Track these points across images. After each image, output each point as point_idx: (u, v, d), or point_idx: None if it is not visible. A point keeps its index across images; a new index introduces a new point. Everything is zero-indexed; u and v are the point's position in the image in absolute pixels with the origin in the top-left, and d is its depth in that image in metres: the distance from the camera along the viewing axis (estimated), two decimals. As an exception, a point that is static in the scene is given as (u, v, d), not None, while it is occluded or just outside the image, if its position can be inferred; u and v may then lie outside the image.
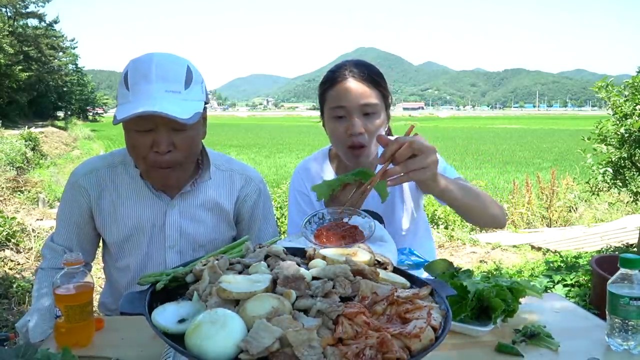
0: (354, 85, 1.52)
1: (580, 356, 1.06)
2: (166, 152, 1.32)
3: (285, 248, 1.09)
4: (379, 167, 1.32)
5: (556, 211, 7.30)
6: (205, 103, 1.42)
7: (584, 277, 3.75)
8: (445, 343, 0.82)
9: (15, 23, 43.07)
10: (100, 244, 1.64)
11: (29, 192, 8.06)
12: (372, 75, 1.55)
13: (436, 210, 6.74)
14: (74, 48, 55.02)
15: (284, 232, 5.77)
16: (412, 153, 1.14)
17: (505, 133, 35.60)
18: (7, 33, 35.89)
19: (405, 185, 1.70)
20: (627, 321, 1.07)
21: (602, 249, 5.03)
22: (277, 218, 5.91)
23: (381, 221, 1.68)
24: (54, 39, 48.94)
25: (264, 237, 1.64)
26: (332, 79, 1.57)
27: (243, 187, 1.61)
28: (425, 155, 1.15)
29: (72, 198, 1.51)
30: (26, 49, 41.72)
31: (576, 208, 7.58)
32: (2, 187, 7.98)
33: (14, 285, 3.89)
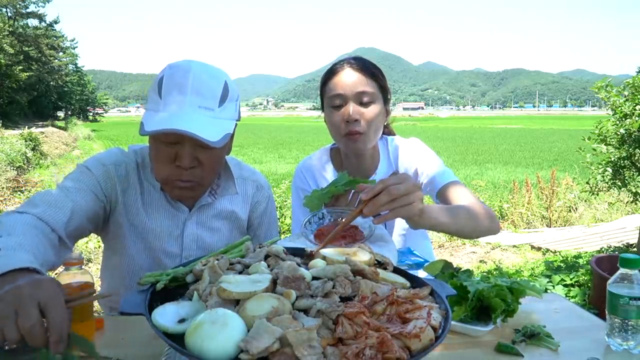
0: (350, 74, 1.57)
1: (580, 356, 1.06)
2: (189, 167, 1.28)
3: (285, 248, 1.09)
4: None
5: (556, 211, 7.31)
6: (237, 120, 1.37)
7: (583, 277, 3.76)
8: (445, 343, 0.82)
9: (15, 23, 43.07)
10: (101, 243, 1.59)
11: (29, 192, 8.07)
12: (369, 67, 1.60)
13: (436, 210, 6.74)
14: (74, 48, 55.04)
15: (284, 232, 5.77)
16: (391, 199, 1.08)
17: (505, 133, 35.61)
18: (8, 33, 35.87)
19: None
20: (626, 321, 1.07)
21: (601, 248, 5.04)
22: (277, 218, 5.90)
23: None
24: (54, 39, 48.95)
25: (267, 239, 1.64)
26: (330, 71, 1.63)
27: (255, 194, 1.61)
28: (407, 196, 1.09)
29: (94, 174, 1.36)
30: (26, 49, 41.73)
31: (576, 208, 7.58)
32: (2, 187, 7.99)
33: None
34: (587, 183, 4.88)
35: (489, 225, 1.43)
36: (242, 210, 1.57)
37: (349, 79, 1.56)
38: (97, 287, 2.05)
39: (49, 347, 0.78)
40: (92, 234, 1.47)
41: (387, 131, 1.84)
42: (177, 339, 0.76)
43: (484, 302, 1.16)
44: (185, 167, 1.27)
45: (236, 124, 1.38)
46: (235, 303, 0.84)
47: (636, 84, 4.26)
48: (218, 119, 1.25)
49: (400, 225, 1.71)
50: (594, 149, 4.63)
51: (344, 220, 1.19)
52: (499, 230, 1.50)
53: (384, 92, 1.63)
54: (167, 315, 0.83)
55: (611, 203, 7.50)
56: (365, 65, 1.60)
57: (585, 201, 7.68)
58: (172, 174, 1.29)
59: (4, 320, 0.78)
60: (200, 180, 1.33)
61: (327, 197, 1.45)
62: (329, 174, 1.75)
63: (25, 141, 15.13)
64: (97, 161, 1.40)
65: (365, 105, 1.56)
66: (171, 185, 1.34)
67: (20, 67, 36.65)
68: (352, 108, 1.54)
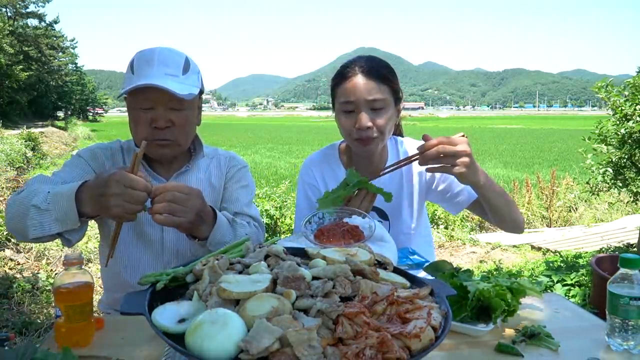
0: (363, 81, 1.55)
1: (580, 356, 1.06)
2: (164, 127, 1.46)
3: (285, 248, 1.09)
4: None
5: (556, 211, 7.31)
6: (201, 92, 1.57)
7: (584, 277, 3.75)
8: (445, 343, 0.82)
9: (15, 23, 43.03)
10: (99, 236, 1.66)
11: (28, 192, 8.04)
12: (381, 71, 1.58)
13: (436, 210, 6.75)
14: (73, 48, 55.00)
15: (284, 232, 5.77)
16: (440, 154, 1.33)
17: (505, 133, 35.59)
18: (8, 33, 35.84)
19: (416, 184, 1.72)
20: (627, 321, 1.07)
21: (602, 248, 5.04)
22: (276, 218, 5.91)
23: (386, 218, 1.69)
24: (54, 39, 48.91)
25: (239, 199, 1.68)
26: (342, 74, 1.61)
27: (228, 163, 1.74)
28: (455, 153, 1.32)
29: (83, 157, 1.57)
30: (26, 49, 41.68)
31: (576, 208, 7.58)
32: (2, 187, 7.97)
33: (14, 285, 3.89)
34: (587, 183, 4.88)
35: (519, 219, 1.58)
36: (218, 181, 1.69)
37: (361, 86, 1.54)
38: (98, 287, 2.05)
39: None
40: (92, 236, 1.51)
41: (398, 132, 1.84)
42: (177, 339, 0.76)
43: (484, 302, 1.16)
44: (161, 127, 1.46)
45: (200, 97, 1.60)
46: (235, 303, 0.84)
47: (636, 84, 4.26)
48: (183, 83, 1.46)
49: (402, 224, 1.71)
50: (595, 149, 4.63)
51: (410, 156, 1.46)
52: (523, 229, 1.64)
53: (396, 94, 1.61)
54: (167, 315, 0.83)
55: (611, 203, 7.50)
56: (377, 70, 1.57)
57: (586, 201, 7.68)
58: (150, 134, 1.47)
59: (121, 195, 1.16)
60: (175, 139, 1.50)
61: (340, 200, 1.48)
62: (337, 170, 1.76)
63: (25, 141, 15.11)
64: (86, 148, 1.64)
65: (377, 112, 1.55)
66: (150, 146, 1.49)
67: (20, 67, 36.59)
68: (363, 117, 1.53)
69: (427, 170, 1.39)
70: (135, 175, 1.20)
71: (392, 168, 1.53)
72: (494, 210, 1.52)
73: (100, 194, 1.18)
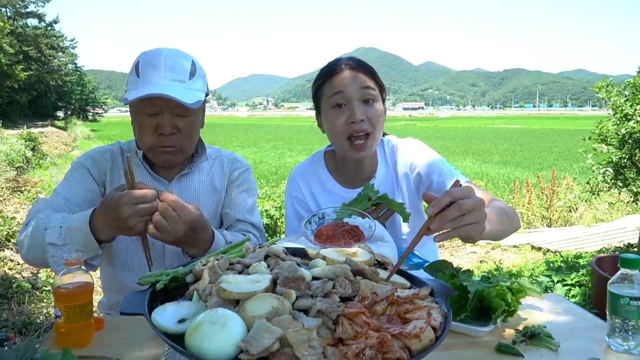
0: (351, 73, 1.55)
1: (580, 356, 1.06)
2: (170, 134, 1.45)
3: (285, 248, 1.09)
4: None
5: (556, 211, 7.30)
6: (206, 95, 1.56)
7: (584, 277, 3.75)
8: (445, 343, 0.81)
9: (15, 23, 43.02)
10: None
11: (28, 192, 8.05)
12: (367, 66, 1.59)
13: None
14: (73, 48, 54.99)
15: (283, 233, 5.77)
16: (460, 213, 0.99)
17: (505, 133, 35.58)
18: (8, 33, 35.82)
19: (404, 186, 1.68)
20: (627, 321, 1.07)
21: (602, 249, 5.03)
22: (276, 218, 5.91)
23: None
24: (54, 38, 48.92)
25: (241, 205, 1.67)
26: (328, 72, 1.59)
27: (231, 165, 1.72)
28: (475, 212, 1.01)
29: (79, 176, 1.54)
30: (26, 48, 41.68)
31: (576, 208, 7.57)
32: (2, 187, 7.98)
33: (14, 285, 3.89)
34: (588, 183, 4.88)
35: (515, 226, 1.42)
36: (220, 183, 1.68)
37: (350, 77, 1.53)
38: (98, 288, 2.05)
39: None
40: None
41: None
42: (177, 339, 0.76)
43: (484, 302, 1.16)
44: (167, 133, 1.45)
45: (205, 100, 1.57)
46: (235, 303, 0.84)
47: (636, 84, 4.26)
48: (190, 89, 1.45)
49: (396, 225, 1.70)
50: (595, 149, 4.63)
51: (404, 253, 1.06)
52: (520, 225, 1.49)
53: (382, 90, 1.61)
54: (167, 315, 0.83)
55: (612, 203, 7.49)
56: (363, 64, 1.58)
57: (586, 201, 7.67)
58: (156, 141, 1.47)
59: (136, 213, 1.21)
60: (180, 145, 1.50)
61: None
62: (324, 179, 1.73)
63: (25, 141, 15.10)
64: (87, 154, 1.62)
65: (368, 103, 1.53)
66: (155, 152, 1.50)
67: (21, 67, 36.55)
68: (357, 108, 1.51)
69: (438, 240, 1.03)
70: (137, 189, 1.22)
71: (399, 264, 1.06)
72: (496, 239, 1.37)
73: (115, 220, 1.22)
